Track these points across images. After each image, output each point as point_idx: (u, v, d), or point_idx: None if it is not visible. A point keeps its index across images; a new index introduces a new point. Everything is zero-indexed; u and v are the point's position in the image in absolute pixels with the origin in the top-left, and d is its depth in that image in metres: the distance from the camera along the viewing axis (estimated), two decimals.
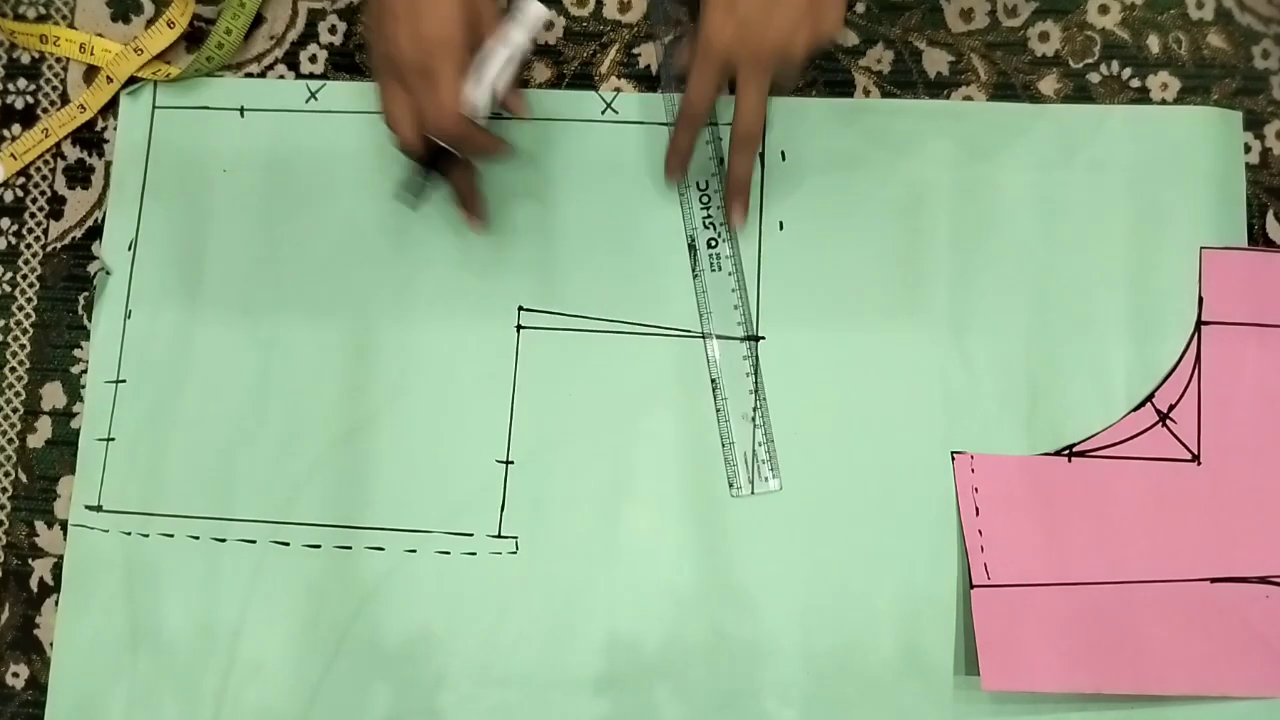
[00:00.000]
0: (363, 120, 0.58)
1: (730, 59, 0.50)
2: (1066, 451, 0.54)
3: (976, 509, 0.53)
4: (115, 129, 0.59)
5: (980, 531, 0.53)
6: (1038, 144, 0.56)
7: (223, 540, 0.55)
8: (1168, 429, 0.54)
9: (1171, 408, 0.54)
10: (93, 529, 0.56)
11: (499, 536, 0.55)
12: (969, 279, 0.55)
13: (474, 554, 0.54)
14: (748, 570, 0.54)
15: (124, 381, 0.57)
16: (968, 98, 0.57)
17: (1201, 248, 0.55)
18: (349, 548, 0.55)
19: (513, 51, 0.50)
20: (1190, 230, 0.55)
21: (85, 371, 0.58)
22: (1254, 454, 0.53)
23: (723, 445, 0.55)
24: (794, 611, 0.53)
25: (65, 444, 0.57)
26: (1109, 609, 0.52)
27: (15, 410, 0.58)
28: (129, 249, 0.58)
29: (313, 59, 0.60)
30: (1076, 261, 0.55)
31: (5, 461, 0.58)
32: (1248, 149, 0.56)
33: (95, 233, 0.59)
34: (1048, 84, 0.57)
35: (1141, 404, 0.54)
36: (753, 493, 0.54)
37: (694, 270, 0.56)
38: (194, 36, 0.60)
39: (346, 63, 0.59)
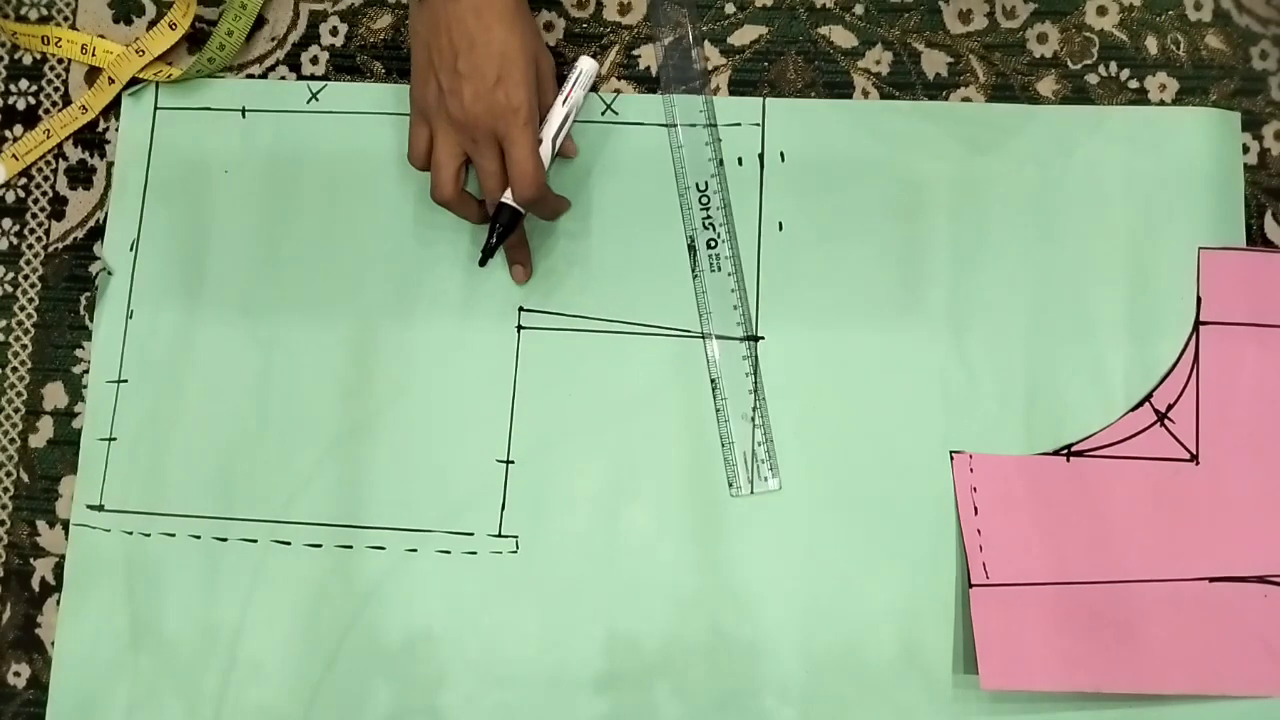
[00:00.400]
0: (364, 121, 0.58)
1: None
2: (1065, 451, 0.54)
3: (975, 508, 0.53)
4: (117, 130, 0.60)
5: (979, 531, 0.53)
6: (1036, 145, 0.56)
7: (224, 540, 0.55)
8: (1166, 429, 0.54)
9: (1170, 407, 0.54)
10: (94, 528, 0.56)
11: (499, 536, 0.55)
12: (968, 279, 0.55)
13: (474, 553, 0.55)
14: (747, 570, 0.54)
15: (125, 381, 0.57)
16: (966, 99, 0.57)
17: (1200, 248, 0.55)
18: (350, 547, 0.55)
19: (571, 109, 0.54)
20: (1189, 230, 0.55)
21: (87, 371, 0.58)
22: (1252, 454, 0.53)
23: (722, 445, 0.55)
24: (793, 611, 0.53)
25: (67, 444, 0.57)
26: (1107, 608, 0.52)
27: (17, 410, 0.58)
28: (130, 249, 0.58)
29: (314, 60, 0.60)
30: (1075, 262, 0.55)
31: (7, 461, 0.58)
32: (1246, 149, 0.56)
33: (97, 233, 0.59)
34: (1046, 85, 0.57)
35: (1140, 404, 0.54)
36: (752, 492, 0.54)
37: (694, 270, 0.56)
38: (196, 38, 0.60)
39: (348, 64, 0.59)
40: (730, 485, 0.54)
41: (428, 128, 0.53)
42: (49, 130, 0.60)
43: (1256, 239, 0.56)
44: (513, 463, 0.55)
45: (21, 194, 0.60)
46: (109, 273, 0.58)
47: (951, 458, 0.54)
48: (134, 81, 0.60)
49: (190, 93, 0.60)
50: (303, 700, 0.54)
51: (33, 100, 0.61)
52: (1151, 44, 0.58)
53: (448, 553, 0.55)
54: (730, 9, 0.59)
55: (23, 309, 0.59)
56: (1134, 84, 0.57)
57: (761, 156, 0.57)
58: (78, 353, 0.58)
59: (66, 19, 0.61)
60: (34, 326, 0.59)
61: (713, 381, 0.55)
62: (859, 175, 0.56)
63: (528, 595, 0.54)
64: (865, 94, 0.58)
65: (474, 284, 0.57)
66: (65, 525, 0.56)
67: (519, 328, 0.56)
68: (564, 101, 0.54)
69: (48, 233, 0.60)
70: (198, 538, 0.55)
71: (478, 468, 0.55)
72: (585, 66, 0.55)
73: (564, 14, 0.59)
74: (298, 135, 0.59)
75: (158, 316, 0.58)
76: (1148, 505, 0.53)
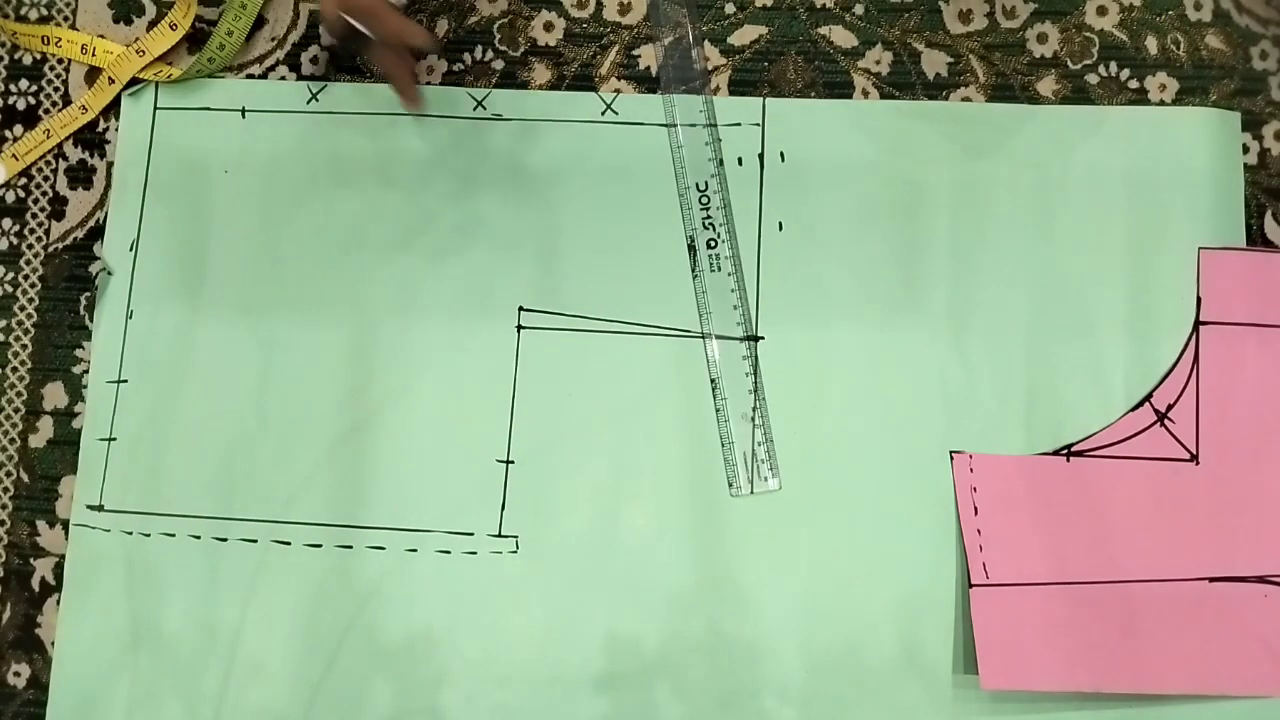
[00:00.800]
0: (364, 121, 0.58)
1: None
2: (1065, 451, 0.54)
3: (975, 508, 0.53)
4: (117, 130, 0.60)
5: (979, 531, 0.53)
6: (1036, 145, 0.56)
7: (224, 540, 0.55)
8: (1166, 429, 0.54)
9: (1170, 407, 0.54)
10: (94, 528, 0.56)
11: (499, 536, 0.55)
12: (968, 279, 0.55)
13: (474, 553, 0.55)
14: (747, 569, 0.54)
15: (125, 381, 0.57)
16: (966, 99, 0.57)
17: (1200, 248, 0.55)
18: (350, 547, 0.55)
19: None
20: (1188, 230, 0.55)
21: (87, 371, 0.58)
22: (1252, 453, 0.53)
23: (722, 445, 0.55)
24: (793, 610, 0.53)
25: (67, 444, 0.57)
26: (1107, 608, 0.52)
27: (17, 410, 0.58)
28: (130, 249, 0.58)
29: (314, 60, 0.60)
30: (1075, 262, 0.55)
31: (7, 461, 0.58)
32: (1246, 149, 0.56)
33: (97, 233, 0.59)
34: (1046, 85, 0.57)
35: (1140, 404, 0.54)
36: (752, 492, 0.54)
37: (694, 270, 0.56)
38: (196, 38, 0.60)
39: (348, 64, 0.59)
40: (730, 485, 0.54)
41: None
42: (49, 130, 0.60)
43: (1256, 239, 0.56)
44: (513, 463, 0.55)
45: (21, 194, 0.60)
46: (109, 273, 0.58)
47: (951, 458, 0.54)
48: (134, 81, 0.60)
49: (190, 93, 0.60)
50: (303, 700, 0.54)
51: (33, 100, 0.61)
52: (1151, 44, 0.58)
53: (448, 553, 0.55)
54: (730, 9, 0.59)
55: (23, 309, 0.59)
56: (1134, 84, 0.57)
57: (761, 156, 0.57)
58: (78, 353, 0.58)
59: (66, 19, 0.61)
60: (34, 326, 0.59)
61: (713, 381, 0.55)
62: (859, 175, 0.56)
63: (528, 595, 0.54)
64: (865, 94, 0.58)
65: (474, 284, 0.57)
66: (65, 525, 0.56)
67: (519, 328, 0.56)
68: None
69: (48, 233, 0.60)
70: (198, 538, 0.55)
71: (478, 468, 0.55)
72: None
73: (564, 14, 0.59)
74: (298, 135, 0.59)
75: (158, 316, 0.58)
76: (1148, 505, 0.53)
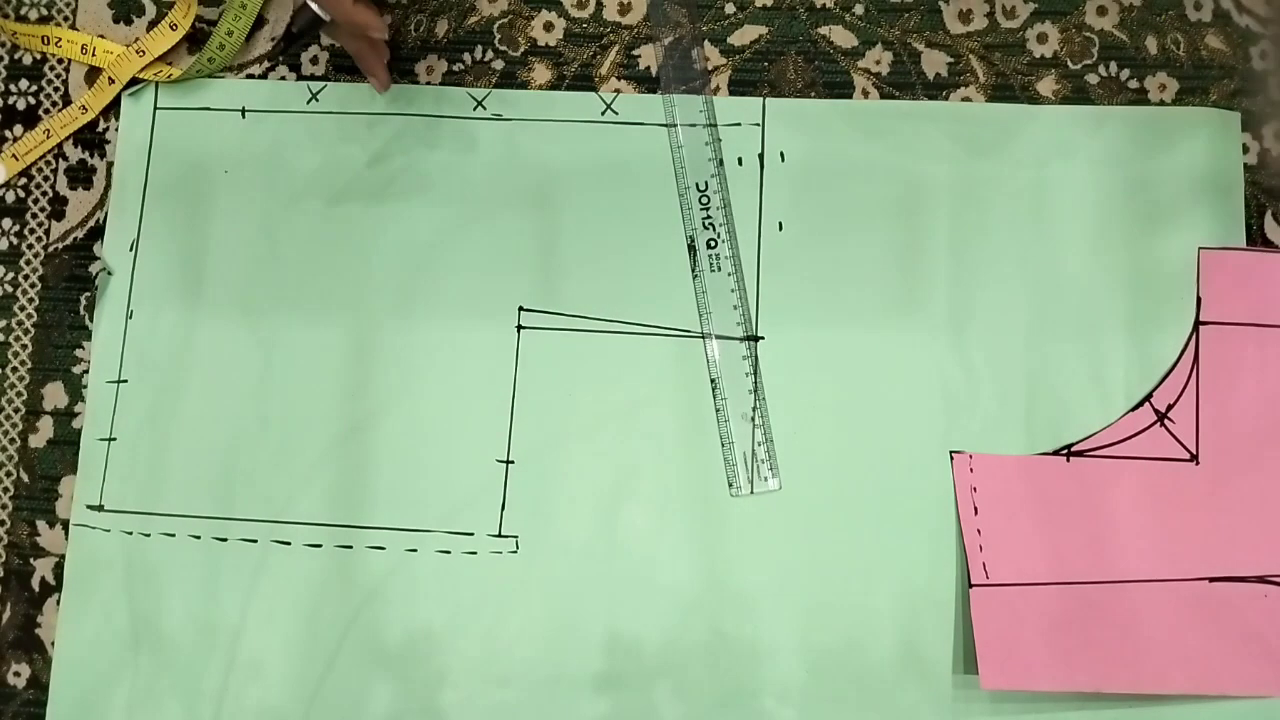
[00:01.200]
0: (364, 121, 0.58)
1: None
2: (1065, 451, 0.54)
3: (975, 508, 0.53)
4: (117, 130, 0.60)
5: (979, 531, 0.53)
6: (1036, 145, 0.56)
7: (224, 540, 0.55)
8: (1166, 429, 0.54)
9: (1170, 407, 0.54)
10: (94, 528, 0.56)
11: (499, 536, 0.55)
12: (968, 279, 0.55)
13: (474, 553, 0.55)
14: (747, 570, 0.54)
15: (125, 381, 0.57)
16: (966, 99, 0.57)
17: (1200, 248, 0.55)
18: (350, 547, 0.55)
19: None
20: (1188, 230, 0.55)
21: (87, 371, 0.58)
22: (1252, 454, 0.53)
23: (722, 445, 0.55)
24: (793, 611, 0.53)
25: (67, 444, 0.57)
26: (1107, 608, 0.52)
27: (17, 410, 0.58)
28: (130, 249, 0.58)
29: (314, 60, 0.60)
30: (1075, 262, 0.55)
31: (7, 461, 0.58)
32: (1246, 149, 0.56)
33: (97, 233, 0.59)
34: (1046, 85, 0.57)
35: (1140, 404, 0.54)
36: (752, 492, 0.54)
37: (694, 270, 0.56)
38: (196, 38, 0.60)
39: (348, 64, 0.59)
40: (730, 485, 0.54)
41: None
42: (49, 130, 0.60)
43: (1256, 239, 0.56)
44: (513, 463, 0.55)
45: (21, 194, 0.60)
46: (109, 273, 0.58)
47: (951, 458, 0.54)
48: (134, 81, 0.60)
49: (190, 93, 0.60)
50: (303, 700, 0.54)
51: (33, 100, 0.61)
52: (1151, 44, 0.58)
53: (448, 553, 0.55)
54: (730, 9, 0.59)
55: (23, 309, 0.59)
56: (1134, 84, 0.57)
57: (761, 156, 0.57)
58: (78, 353, 0.58)
59: (66, 19, 0.61)
60: (34, 326, 0.59)
61: (713, 381, 0.55)
62: (859, 175, 0.56)
63: (528, 595, 0.54)
64: (865, 94, 0.58)
65: (474, 284, 0.57)
66: (65, 525, 0.56)
67: (519, 328, 0.56)
68: None
69: (48, 233, 0.60)
70: (197, 538, 0.55)
71: (478, 468, 0.55)
72: None
73: (564, 14, 0.59)
74: (298, 135, 0.59)
75: (158, 316, 0.58)
76: (1147, 505, 0.53)
